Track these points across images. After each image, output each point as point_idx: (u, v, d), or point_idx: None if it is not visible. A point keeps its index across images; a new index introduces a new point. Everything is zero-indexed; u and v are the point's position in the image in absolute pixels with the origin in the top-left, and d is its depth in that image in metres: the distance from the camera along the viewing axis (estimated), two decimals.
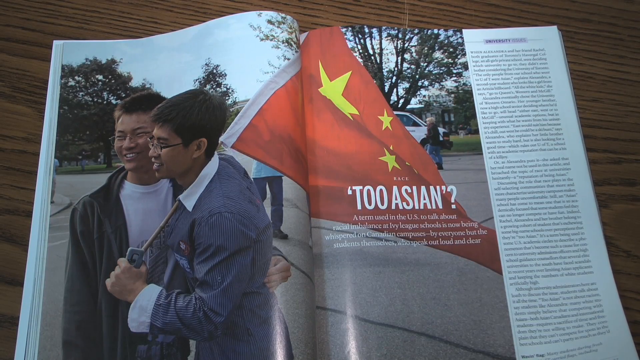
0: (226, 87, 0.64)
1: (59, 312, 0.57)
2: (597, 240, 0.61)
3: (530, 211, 0.62)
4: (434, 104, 0.67)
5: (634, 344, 0.57)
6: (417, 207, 0.62)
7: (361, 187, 0.62)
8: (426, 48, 0.69)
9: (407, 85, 0.68)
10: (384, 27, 0.69)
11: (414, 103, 0.67)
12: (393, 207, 0.61)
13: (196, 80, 0.66)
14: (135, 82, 0.67)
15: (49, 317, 0.57)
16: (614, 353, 0.56)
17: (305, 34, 0.68)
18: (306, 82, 0.66)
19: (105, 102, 0.67)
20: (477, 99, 0.67)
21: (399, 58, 0.68)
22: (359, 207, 0.61)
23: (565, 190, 0.63)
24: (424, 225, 0.61)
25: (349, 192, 0.62)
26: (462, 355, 0.56)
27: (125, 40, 0.69)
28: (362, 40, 0.68)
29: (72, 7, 0.71)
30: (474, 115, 0.66)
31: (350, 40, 0.68)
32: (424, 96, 0.68)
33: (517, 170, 0.63)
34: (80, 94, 0.67)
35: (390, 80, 0.68)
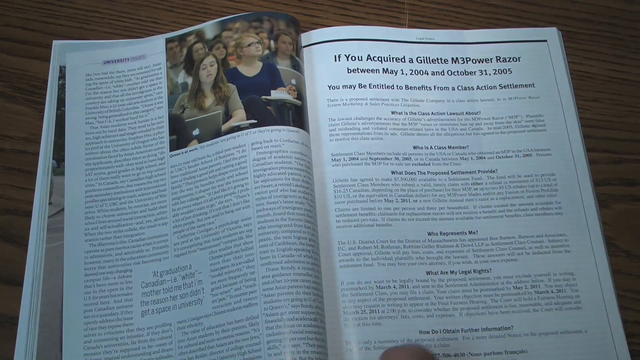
0: None
1: (57, 314, 0.57)
2: (597, 241, 0.61)
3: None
4: None
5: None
6: None
7: None
8: None
9: None
10: None
11: None
12: None
13: None
14: None
15: (47, 318, 0.57)
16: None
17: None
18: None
19: None
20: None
21: None
22: None
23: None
24: None
25: None
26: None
27: (125, 40, 0.69)
28: None
29: (72, 7, 0.71)
30: None
31: None
32: None
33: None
34: None
35: None
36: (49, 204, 0.61)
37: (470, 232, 0.61)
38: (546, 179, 0.63)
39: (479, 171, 0.64)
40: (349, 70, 0.67)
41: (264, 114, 0.61)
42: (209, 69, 0.64)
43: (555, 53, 0.69)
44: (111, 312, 0.57)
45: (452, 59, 0.69)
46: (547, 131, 0.65)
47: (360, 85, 0.66)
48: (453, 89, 0.67)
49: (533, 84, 0.67)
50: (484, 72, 0.68)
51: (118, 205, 0.61)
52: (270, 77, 0.63)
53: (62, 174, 0.62)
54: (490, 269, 0.60)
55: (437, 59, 0.69)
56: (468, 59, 0.69)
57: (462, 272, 0.59)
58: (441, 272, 0.59)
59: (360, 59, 0.67)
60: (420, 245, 0.60)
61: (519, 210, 0.62)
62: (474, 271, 0.60)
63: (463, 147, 0.65)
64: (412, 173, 0.63)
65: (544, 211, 0.62)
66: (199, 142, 0.62)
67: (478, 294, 0.59)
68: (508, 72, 0.68)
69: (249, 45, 0.65)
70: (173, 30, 0.69)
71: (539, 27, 0.70)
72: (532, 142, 0.65)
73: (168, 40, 0.67)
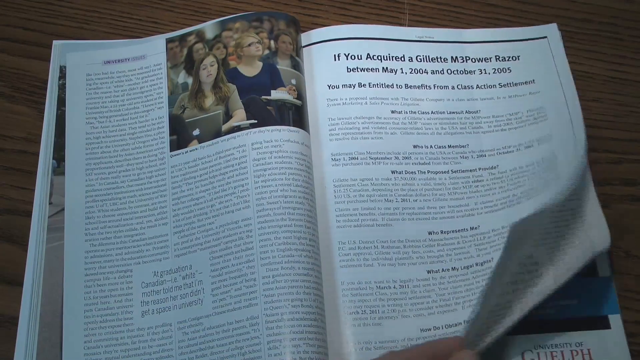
0: None
1: (57, 314, 0.57)
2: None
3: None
4: None
5: None
6: None
7: None
8: None
9: None
10: None
11: None
12: None
13: None
14: None
15: (47, 318, 0.57)
16: None
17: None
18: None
19: None
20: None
21: None
22: None
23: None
24: None
25: None
26: None
27: (125, 41, 0.69)
28: None
29: (72, 7, 0.71)
30: None
31: None
32: None
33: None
34: None
35: None
36: (49, 204, 0.61)
37: (471, 228, 0.61)
38: (547, 161, 0.62)
39: (479, 169, 0.63)
40: (349, 70, 0.67)
41: (264, 114, 0.61)
42: (209, 69, 0.64)
43: (555, 48, 0.68)
44: (111, 312, 0.57)
45: (452, 57, 0.69)
46: (549, 120, 0.64)
47: (359, 85, 0.66)
48: (453, 87, 0.67)
49: (533, 80, 0.67)
50: (483, 72, 0.68)
51: (118, 205, 0.61)
52: (271, 77, 0.63)
53: (62, 174, 0.62)
54: (492, 258, 0.59)
55: (437, 57, 0.69)
56: (467, 58, 0.69)
57: (464, 267, 0.59)
58: (442, 270, 0.59)
59: (359, 58, 0.67)
60: (420, 244, 0.60)
61: (521, 198, 0.61)
62: (477, 264, 0.59)
63: (463, 146, 0.65)
64: (412, 172, 0.63)
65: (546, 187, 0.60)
66: (199, 142, 0.62)
67: (480, 284, 0.58)
68: (507, 71, 0.68)
69: (249, 45, 0.65)
70: (173, 30, 0.69)
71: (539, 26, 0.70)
72: (533, 133, 0.64)
73: (168, 41, 0.67)
